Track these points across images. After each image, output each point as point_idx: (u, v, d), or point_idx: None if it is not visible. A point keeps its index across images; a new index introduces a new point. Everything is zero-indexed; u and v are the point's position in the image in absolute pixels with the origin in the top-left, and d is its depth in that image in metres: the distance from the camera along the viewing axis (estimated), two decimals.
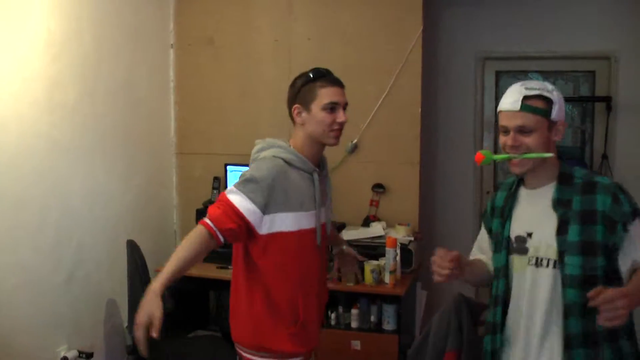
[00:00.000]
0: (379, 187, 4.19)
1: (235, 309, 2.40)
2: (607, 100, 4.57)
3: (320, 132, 2.30)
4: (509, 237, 2.13)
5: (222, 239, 2.16)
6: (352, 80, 4.33)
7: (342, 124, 2.30)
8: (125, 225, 3.92)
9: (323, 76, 2.29)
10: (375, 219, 4.15)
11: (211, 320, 4.47)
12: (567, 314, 1.98)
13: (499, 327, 2.14)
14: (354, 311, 3.73)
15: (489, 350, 2.18)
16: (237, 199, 2.18)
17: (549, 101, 1.99)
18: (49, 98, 3.29)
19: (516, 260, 2.10)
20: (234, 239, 2.23)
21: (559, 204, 2.02)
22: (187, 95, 4.55)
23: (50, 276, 3.32)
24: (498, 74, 4.96)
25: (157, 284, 2.00)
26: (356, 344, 3.67)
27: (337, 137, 2.33)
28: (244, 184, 2.21)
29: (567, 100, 4.90)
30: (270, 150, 2.31)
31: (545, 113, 1.99)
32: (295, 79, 2.34)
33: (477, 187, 5.00)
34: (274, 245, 2.27)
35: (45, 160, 3.28)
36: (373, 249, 3.82)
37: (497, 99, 4.96)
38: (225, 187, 4.27)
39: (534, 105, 1.98)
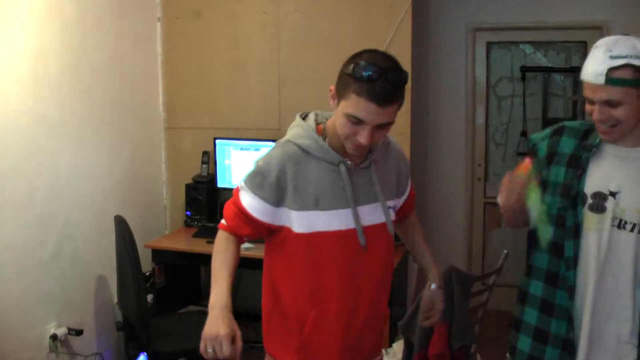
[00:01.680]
0: None
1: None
2: None
3: (341, 135, 1.85)
4: (583, 192, 1.96)
5: (244, 239, 1.97)
6: (342, 52, 4.27)
7: (361, 144, 1.82)
8: (114, 201, 3.89)
9: (369, 82, 1.74)
10: None
11: (203, 296, 4.45)
12: None
13: (573, 291, 1.96)
14: None
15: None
16: (247, 199, 1.92)
17: (638, 69, 1.77)
18: (33, 72, 3.23)
19: (590, 218, 1.94)
20: (257, 238, 2.00)
21: None
22: (175, 69, 4.48)
23: (38, 253, 3.29)
24: (489, 45, 4.92)
25: (222, 298, 1.80)
26: None
27: (356, 151, 1.88)
28: (252, 178, 1.93)
29: (558, 70, 4.92)
30: (292, 132, 1.97)
31: (635, 83, 1.78)
32: (355, 55, 1.85)
33: (469, 159, 4.99)
34: (285, 243, 1.95)
35: (31, 136, 3.23)
36: None
37: (489, 70, 4.95)
38: (215, 161, 4.25)
39: (622, 77, 1.77)
